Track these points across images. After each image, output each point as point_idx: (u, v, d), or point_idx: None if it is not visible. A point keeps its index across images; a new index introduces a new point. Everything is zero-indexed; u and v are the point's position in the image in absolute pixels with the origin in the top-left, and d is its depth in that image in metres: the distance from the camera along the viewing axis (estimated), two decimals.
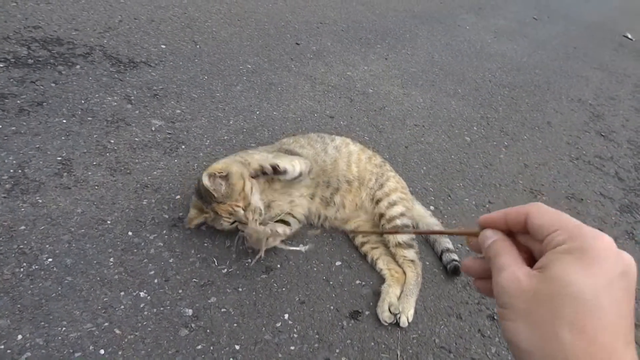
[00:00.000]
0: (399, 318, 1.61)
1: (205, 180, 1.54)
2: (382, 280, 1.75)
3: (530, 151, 3.09)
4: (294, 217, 1.82)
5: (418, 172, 2.51)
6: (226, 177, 1.60)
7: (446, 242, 1.96)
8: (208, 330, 1.43)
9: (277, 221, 1.77)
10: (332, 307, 1.63)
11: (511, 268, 0.51)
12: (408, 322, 1.63)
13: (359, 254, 1.87)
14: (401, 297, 1.69)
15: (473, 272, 0.61)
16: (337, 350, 1.49)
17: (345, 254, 1.86)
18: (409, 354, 1.54)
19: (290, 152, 1.86)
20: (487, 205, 2.39)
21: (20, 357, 1.22)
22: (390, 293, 1.68)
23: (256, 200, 1.66)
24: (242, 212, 1.60)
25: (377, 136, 2.72)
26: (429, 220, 2.04)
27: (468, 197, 2.42)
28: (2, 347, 1.23)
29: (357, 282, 1.76)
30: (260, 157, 1.74)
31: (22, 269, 1.44)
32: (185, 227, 1.70)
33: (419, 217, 2.05)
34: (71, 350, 1.27)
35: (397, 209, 1.87)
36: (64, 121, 2.07)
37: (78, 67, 2.46)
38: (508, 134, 3.24)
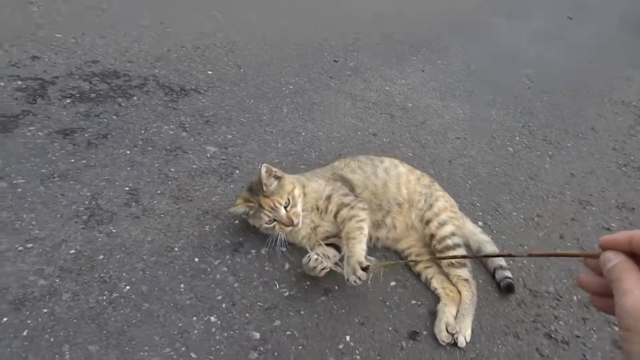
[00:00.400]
0: (457, 338, 1.64)
1: (263, 171, 1.75)
2: (437, 299, 1.78)
3: (575, 159, 3.05)
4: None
5: (464, 187, 2.53)
6: (280, 179, 1.81)
7: (499, 260, 1.97)
8: (276, 353, 1.51)
9: (327, 244, 1.84)
10: (390, 328, 1.67)
11: (636, 292, 0.51)
12: (466, 342, 1.65)
13: (413, 273, 1.91)
14: (457, 316, 1.72)
15: (590, 289, 0.61)
16: None
17: (399, 273, 1.90)
18: None
19: (343, 180, 1.94)
20: (536, 219, 2.38)
21: None
22: (447, 312, 1.71)
23: (299, 208, 1.81)
24: (283, 211, 1.75)
25: (421, 151, 2.76)
26: (479, 237, 2.06)
27: (516, 210, 2.42)
28: None
29: (413, 302, 1.80)
30: (322, 189, 1.89)
31: (104, 297, 1.56)
32: (226, 212, 1.91)
33: (470, 234, 2.07)
34: None
35: (448, 229, 1.90)
36: (128, 152, 2.21)
37: (135, 98, 2.62)
38: (551, 142, 3.20)
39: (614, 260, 0.56)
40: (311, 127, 2.75)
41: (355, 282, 1.60)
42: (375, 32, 4.70)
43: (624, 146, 3.37)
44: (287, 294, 1.71)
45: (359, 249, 1.68)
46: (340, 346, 1.58)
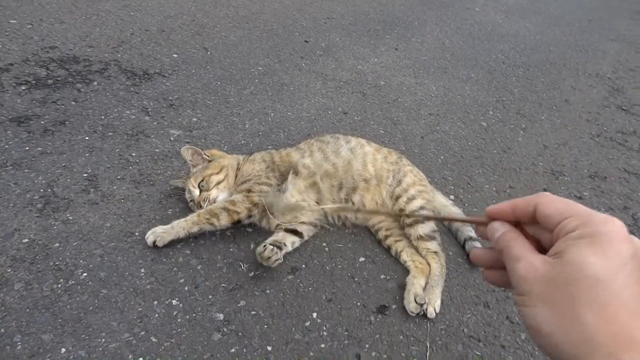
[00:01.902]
0: (426, 309, 1.63)
1: (183, 151, 1.83)
2: (407, 273, 1.76)
3: (549, 132, 3.04)
4: (305, 224, 1.86)
5: (436, 161, 2.50)
6: (211, 161, 1.84)
7: (468, 231, 1.96)
8: (240, 334, 1.48)
9: (288, 230, 1.80)
10: (359, 303, 1.65)
11: (527, 256, 0.53)
12: (435, 313, 1.64)
13: (382, 248, 1.89)
14: (427, 288, 1.70)
15: (482, 262, 0.62)
16: (367, 346, 1.51)
17: (369, 249, 1.88)
18: (439, 345, 1.56)
19: (291, 166, 1.93)
20: (508, 191, 2.37)
21: None
22: (416, 284, 1.69)
23: (214, 193, 1.81)
24: (197, 192, 1.79)
25: (392, 129, 2.72)
26: (450, 210, 2.04)
27: (488, 183, 2.41)
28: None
29: (382, 276, 1.77)
30: (249, 173, 1.89)
31: (59, 285, 1.50)
32: (169, 183, 1.94)
33: (441, 207, 2.05)
34: None
35: (417, 203, 1.88)
36: (87, 138, 2.14)
37: (95, 83, 2.53)
38: (525, 115, 3.19)
39: (500, 230, 0.58)
40: (280, 108, 2.69)
41: (146, 239, 1.67)
42: (349, 11, 4.63)
43: (597, 117, 3.38)
44: (252, 274, 1.68)
45: (181, 230, 1.68)
46: (307, 323, 1.55)
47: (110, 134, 2.19)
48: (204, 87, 2.73)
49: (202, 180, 1.80)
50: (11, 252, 1.57)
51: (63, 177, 1.91)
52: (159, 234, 1.67)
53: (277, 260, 1.64)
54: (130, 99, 2.47)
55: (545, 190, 2.42)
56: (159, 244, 1.66)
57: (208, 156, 1.84)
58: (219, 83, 2.81)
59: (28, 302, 1.43)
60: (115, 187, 1.91)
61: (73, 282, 1.52)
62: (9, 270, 1.51)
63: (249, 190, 1.80)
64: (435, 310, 1.64)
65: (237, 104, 2.64)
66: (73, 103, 2.34)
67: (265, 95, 2.79)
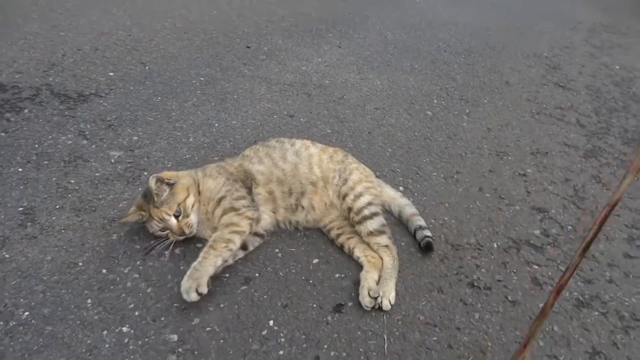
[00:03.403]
0: (381, 302, 1.65)
1: (152, 183, 1.68)
2: (361, 269, 1.78)
3: (492, 114, 3.15)
4: (256, 234, 1.86)
5: (384, 155, 2.55)
6: (172, 186, 1.75)
7: (418, 220, 2.00)
8: (196, 352, 1.45)
9: None
10: (315, 305, 1.66)
11: None
12: (390, 305, 1.67)
13: (336, 247, 1.90)
14: (380, 282, 1.73)
15: None
16: (325, 346, 1.52)
17: (322, 250, 1.89)
18: (396, 335, 1.59)
19: (247, 174, 1.90)
20: (455, 176, 2.44)
21: None
22: (369, 278, 1.72)
23: (193, 217, 1.76)
24: (174, 220, 1.71)
25: (339, 127, 2.75)
26: (399, 202, 2.08)
27: (436, 171, 2.47)
28: None
29: (337, 275, 1.79)
30: (217, 190, 1.83)
31: None
32: (119, 222, 1.84)
33: (390, 199, 2.09)
34: None
35: (364, 200, 1.90)
36: (20, 170, 2.04)
37: (26, 111, 2.43)
38: (468, 101, 3.29)
39: None
40: (224, 117, 2.66)
41: (185, 298, 1.55)
42: (290, 12, 4.62)
43: (537, 95, 3.52)
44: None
45: (210, 266, 1.60)
46: (264, 332, 1.54)
47: (45, 162, 2.10)
48: (144, 103, 2.67)
49: (178, 208, 1.72)
50: None
51: None
52: (194, 282, 1.54)
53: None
54: (65, 124, 2.38)
55: (490, 171, 2.51)
56: (203, 291, 1.55)
57: (170, 180, 1.75)
58: (159, 98, 2.75)
59: None
60: (54, 218, 1.84)
61: (14, 322, 1.45)
62: None
63: (233, 209, 1.77)
64: (390, 302, 1.67)
65: (180, 118, 2.59)
66: (3, 134, 2.23)
67: (208, 105, 2.76)
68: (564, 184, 2.49)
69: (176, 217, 1.72)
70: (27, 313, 1.49)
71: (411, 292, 1.76)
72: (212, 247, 1.65)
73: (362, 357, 1.50)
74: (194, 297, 1.54)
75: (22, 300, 1.52)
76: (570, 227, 2.19)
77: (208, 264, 1.61)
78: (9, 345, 1.39)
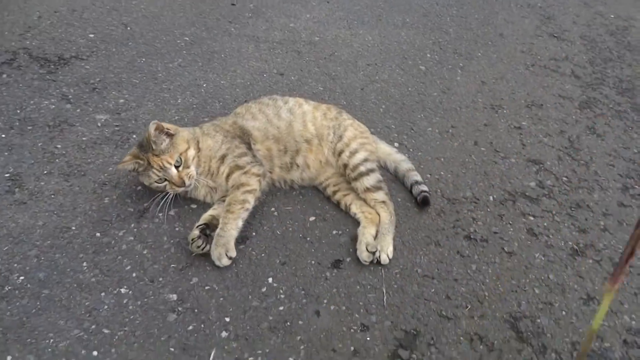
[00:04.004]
0: (379, 256, 1.66)
1: (151, 129, 1.63)
2: (358, 225, 1.77)
3: (486, 67, 3.09)
4: None
5: (377, 111, 2.50)
6: (172, 136, 1.69)
7: (414, 175, 1.99)
8: (196, 310, 1.46)
9: None
10: (313, 262, 1.66)
11: None
12: (388, 259, 1.67)
13: (332, 204, 1.89)
14: (378, 237, 1.73)
15: None
16: (325, 301, 1.53)
17: (318, 207, 1.87)
18: (394, 288, 1.60)
19: (243, 131, 1.84)
20: (450, 130, 2.41)
21: None
22: (366, 234, 1.71)
23: (194, 170, 1.72)
24: (174, 170, 1.66)
25: (331, 84, 2.68)
26: (395, 157, 2.06)
27: (430, 126, 2.43)
28: None
29: (334, 232, 1.78)
30: (217, 148, 1.78)
31: None
32: (114, 169, 1.84)
33: (385, 156, 2.06)
34: (64, 359, 1.28)
35: (359, 156, 1.88)
36: (3, 136, 1.98)
37: (5, 75, 2.32)
38: (462, 54, 3.21)
39: None
40: (212, 77, 2.58)
41: (218, 265, 1.58)
42: None
43: (531, 47, 3.44)
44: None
45: (232, 229, 1.61)
46: (263, 289, 1.55)
47: (29, 127, 2.03)
48: (128, 65, 2.57)
49: (179, 157, 1.67)
50: None
51: None
52: (222, 248, 1.56)
53: (198, 247, 1.59)
54: (47, 88, 2.28)
55: (485, 125, 2.48)
56: (232, 255, 1.57)
57: (170, 130, 1.70)
58: (143, 59, 2.64)
59: None
60: (42, 183, 1.79)
61: (10, 287, 1.44)
62: None
63: (238, 167, 1.74)
64: (388, 256, 1.68)
65: (166, 79, 2.51)
66: None
67: (195, 66, 2.66)
68: (559, 135, 2.48)
69: (176, 167, 1.66)
70: (22, 278, 1.47)
71: (409, 246, 1.76)
72: (229, 211, 1.64)
73: (361, 310, 1.52)
74: (225, 262, 1.57)
75: (15, 265, 1.50)
76: (565, 178, 2.19)
77: (230, 227, 1.61)
78: (6, 309, 1.38)
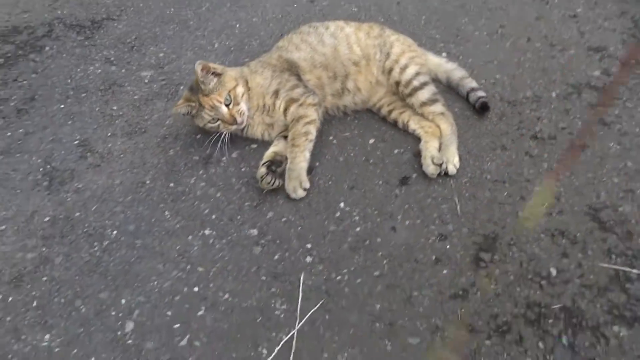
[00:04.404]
0: (446, 168, 1.64)
1: (198, 69, 1.64)
2: (419, 142, 1.75)
3: None
4: None
5: (418, 24, 2.37)
6: (220, 75, 1.70)
7: (469, 82, 1.91)
8: (278, 241, 1.53)
9: (286, 137, 1.76)
10: (380, 182, 1.67)
11: None
12: (456, 169, 1.66)
13: (389, 124, 1.87)
14: (442, 149, 1.70)
15: None
16: (399, 217, 1.56)
17: (375, 129, 1.86)
18: (466, 197, 1.60)
19: (290, 64, 1.80)
20: (499, 31, 2.26)
21: (131, 315, 1.36)
22: (430, 147, 1.69)
23: (244, 106, 1.72)
24: (225, 109, 1.68)
25: (364, 2, 2.54)
26: (446, 67, 1.98)
27: (477, 29, 2.29)
28: (113, 313, 1.37)
29: (396, 151, 1.78)
30: (268, 84, 1.77)
31: (95, 248, 1.54)
32: (169, 114, 1.89)
33: (436, 67, 1.98)
34: (171, 296, 1.40)
35: (410, 71, 1.81)
36: (62, 106, 2.05)
37: (47, 48, 2.37)
38: None
39: None
40: (244, 16, 2.51)
41: (294, 197, 1.62)
42: None
43: None
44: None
45: (301, 161, 1.64)
46: (337, 214, 1.59)
47: (83, 95, 2.10)
48: (158, 18, 2.54)
49: (228, 95, 1.69)
50: (38, 232, 1.59)
51: (56, 150, 1.86)
52: (296, 181, 1.61)
53: (268, 183, 1.62)
54: (89, 54, 2.32)
55: (537, 19, 2.30)
56: (306, 185, 1.63)
57: (217, 69, 1.71)
58: (172, 9, 2.60)
59: (74, 271, 1.48)
60: (110, 145, 1.87)
61: (107, 242, 1.56)
62: (44, 249, 1.55)
63: (293, 100, 1.75)
64: (455, 166, 1.66)
65: (199, 26, 2.47)
66: (34, 75, 2.21)
67: (224, 8, 2.59)
68: (619, 17, 2.27)
69: (227, 105, 1.69)
70: (115, 232, 1.59)
71: (474, 154, 1.73)
72: (294, 145, 1.67)
73: (437, 221, 1.54)
74: (301, 193, 1.62)
75: (107, 221, 1.62)
76: (633, 61, 2.03)
77: (299, 160, 1.64)
78: (110, 260, 1.50)
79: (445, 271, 1.41)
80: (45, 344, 1.32)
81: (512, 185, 1.62)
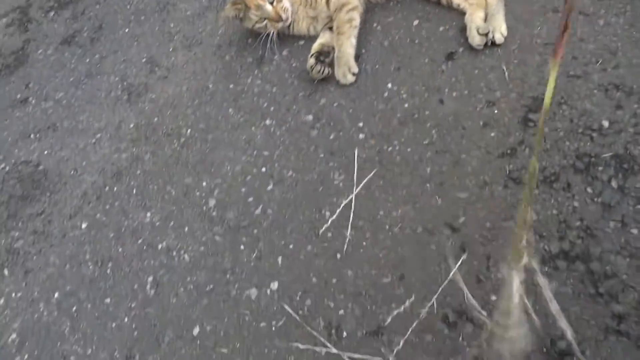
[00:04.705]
0: (493, 36, 1.62)
1: None
2: (464, 17, 1.73)
3: None
4: None
5: None
6: None
7: None
8: (331, 123, 1.65)
9: (331, 28, 1.81)
10: (426, 60, 1.70)
11: None
12: (503, 37, 1.63)
13: (432, 4, 1.84)
14: (488, 18, 1.67)
15: None
16: (446, 90, 1.60)
17: (419, 10, 1.85)
18: (515, 64, 1.59)
19: None
20: None
21: (212, 194, 1.60)
22: (475, 19, 1.67)
23: (287, 2, 1.79)
24: (269, 7, 1.75)
25: None
26: None
27: None
28: (197, 193, 1.61)
29: (441, 29, 1.77)
30: None
31: (175, 145, 1.78)
32: (219, 17, 2.00)
33: None
34: (243, 177, 1.61)
35: None
36: (127, 30, 2.25)
37: None
38: None
39: None
40: None
41: (344, 82, 1.70)
42: None
43: None
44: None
45: (348, 47, 1.69)
46: (385, 94, 1.67)
47: (142, 17, 2.27)
48: None
49: None
50: (127, 137, 1.86)
51: (129, 69, 2.09)
52: (344, 67, 1.70)
53: (319, 72, 1.71)
54: None
55: None
56: (355, 70, 1.71)
57: None
58: None
59: (160, 164, 1.74)
60: (172, 59, 2.05)
61: (184, 139, 1.78)
62: (134, 149, 1.81)
63: None
64: (502, 34, 1.63)
65: None
66: (97, 6, 2.42)
67: None
68: None
69: (270, 4, 1.77)
70: (189, 130, 1.80)
71: (523, 20, 1.68)
72: (339, 33, 1.74)
73: (484, 90, 1.56)
74: (350, 78, 1.71)
75: (181, 122, 1.83)
76: None
77: (346, 47, 1.71)
78: (188, 153, 1.73)
79: (493, 134, 1.47)
80: (148, 220, 1.60)
81: (565, 45, 1.58)
